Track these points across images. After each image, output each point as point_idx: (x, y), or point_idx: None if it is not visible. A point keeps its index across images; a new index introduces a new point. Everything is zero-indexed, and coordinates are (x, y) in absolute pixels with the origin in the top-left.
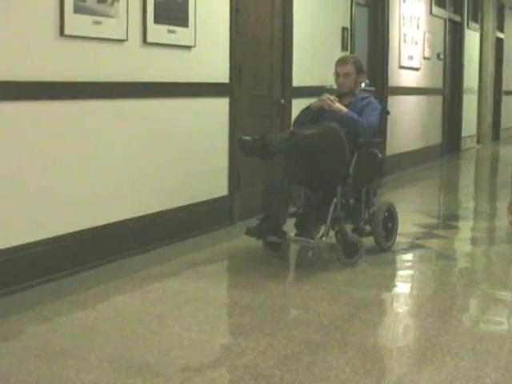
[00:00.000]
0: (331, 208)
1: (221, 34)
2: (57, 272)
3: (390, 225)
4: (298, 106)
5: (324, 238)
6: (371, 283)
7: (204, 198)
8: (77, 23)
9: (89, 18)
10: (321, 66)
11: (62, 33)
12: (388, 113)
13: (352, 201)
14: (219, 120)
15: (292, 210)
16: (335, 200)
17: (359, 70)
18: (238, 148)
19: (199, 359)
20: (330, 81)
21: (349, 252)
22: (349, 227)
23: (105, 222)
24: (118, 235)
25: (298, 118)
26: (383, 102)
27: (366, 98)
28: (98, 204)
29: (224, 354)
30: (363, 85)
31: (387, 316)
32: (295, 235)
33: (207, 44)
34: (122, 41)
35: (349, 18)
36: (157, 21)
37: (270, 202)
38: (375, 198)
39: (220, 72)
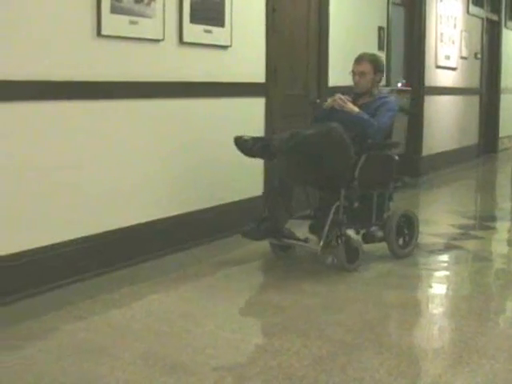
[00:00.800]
0: (332, 211)
1: (257, 33)
2: (89, 271)
3: (406, 231)
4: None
5: (321, 244)
6: (406, 284)
7: (237, 198)
8: (114, 23)
9: (125, 18)
10: None
11: (99, 33)
12: (412, 114)
13: (356, 204)
14: (255, 120)
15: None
16: (337, 203)
17: (376, 69)
18: (237, 147)
19: (233, 359)
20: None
21: (350, 257)
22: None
23: (137, 222)
24: (149, 235)
25: (315, 116)
26: (418, 101)
27: (383, 97)
28: (131, 203)
29: (258, 354)
30: (399, 84)
31: (422, 317)
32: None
33: (243, 44)
34: (158, 41)
35: (385, 17)
36: (193, 20)
37: (269, 203)
38: (390, 203)
39: (256, 72)
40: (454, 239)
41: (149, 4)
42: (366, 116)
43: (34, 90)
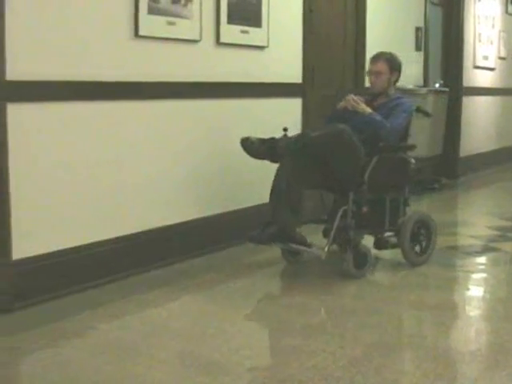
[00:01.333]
0: (338, 215)
1: (294, 34)
2: (124, 271)
3: (422, 238)
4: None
5: (326, 249)
6: (443, 286)
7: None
8: (151, 24)
9: (163, 19)
10: None
11: (136, 33)
12: (429, 115)
13: (365, 209)
14: (292, 120)
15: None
16: (344, 207)
17: (393, 68)
18: (243, 149)
19: (268, 359)
20: (403, 81)
21: (358, 263)
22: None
23: (170, 223)
24: (183, 236)
25: (328, 117)
26: (456, 102)
27: (398, 98)
28: (167, 204)
29: (293, 355)
30: (437, 85)
31: (459, 319)
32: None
33: (280, 44)
34: (195, 41)
35: (423, 17)
36: (230, 21)
37: (275, 206)
38: (407, 208)
39: (293, 72)
40: (492, 241)
41: (186, 5)
42: (378, 117)
43: (72, 90)
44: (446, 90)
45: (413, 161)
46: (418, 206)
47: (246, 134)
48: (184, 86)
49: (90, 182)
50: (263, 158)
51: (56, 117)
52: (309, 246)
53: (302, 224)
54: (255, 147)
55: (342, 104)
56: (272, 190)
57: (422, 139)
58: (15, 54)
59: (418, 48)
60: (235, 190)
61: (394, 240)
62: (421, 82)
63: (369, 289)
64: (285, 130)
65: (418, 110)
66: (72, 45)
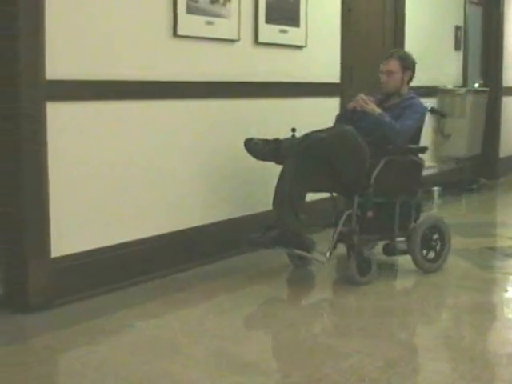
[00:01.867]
0: (341, 220)
1: (332, 33)
2: (162, 269)
3: (434, 244)
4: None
5: (328, 254)
6: (481, 287)
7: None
8: (190, 23)
9: (201, 19)
10: (433, 66)
11: (175, 33)
12: (444, 115)
13: (370, 213)
14: (329, 120)
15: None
16: (348, 212)
17: (405, 67)
18: (246, 150)
19: (304, 359)
20: (442, 81)
21: (362, 269)
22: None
23: (212, 221)
24: (221, 234)
25: (336, 120)
26: (496, 102)
27: (411, 98)
28: (205, 202)
29: (329, 355)
30: (476, 85)
31: (497, 321)
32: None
33: (318, 44)
34: (233, 41)
35: (462, 16)
36: (268, 21)
37: (277, 209)
38: (420, 213)
39: (331, 72)
40: None
41: (224, 4)
42: (387, 118)
43: (111, 89)
44: (486, 89)
45: (424, 164)
46: (457, 207)
47: (283, 134)
48: (222, 86)
49: (129, 180)
50: (267, 160)
51: (95, 116)
52: (309, 251)
53: (306, 227)
54: (259, 148)
55: (351, 104)
56: (275, 193)
57: (461, 139)
58: (55, 54)
59: (457, 47)
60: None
61: (403, 246)
62: (460, 82)
63: (405, 289)
64: (293, 130)
65: (433, 111)
66: (111, 44)
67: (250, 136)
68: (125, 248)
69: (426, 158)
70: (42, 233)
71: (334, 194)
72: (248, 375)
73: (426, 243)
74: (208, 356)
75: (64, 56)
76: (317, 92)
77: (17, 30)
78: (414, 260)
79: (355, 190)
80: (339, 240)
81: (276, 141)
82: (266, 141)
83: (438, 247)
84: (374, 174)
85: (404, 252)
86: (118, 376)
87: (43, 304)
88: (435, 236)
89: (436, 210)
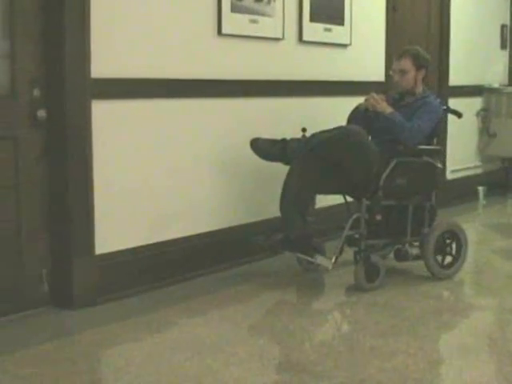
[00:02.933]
0: (348, 224)
1: (377, 32)
2: (207, 267)
3: (449, 249)
4: (454, 105)
5: (334, 259)
6: None
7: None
8: (234, 22)
9: (245, 17)
10: (479, 65)
11: (219, 32)
12: (459, 115)
13: (378, 217)
14: None
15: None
16: (355, 215)
17: (419, 65)
18: (252, 150)
19: (348, 359)
20: (488, 80)
21: (370, 275)
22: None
23: (253, 220)
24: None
25: (348, 119)
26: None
27: (425, 97)
28: (246, 202)
29: (373, 355)
30: None
31: None
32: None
33: (363, 42)
34: (278, 39)
35: (508, 14)
36: (313, 19)
37: (284, 212)
38: (434, 216)
39: (376, 71)
40: None
41: (269, 3)
42: (398, 118)
43: (155, 87)
44: None
45: (439, 165)
46: (502, 207)
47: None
48: (267, 84)
49: (171, 178)
50: (274, 160)
51: (140, 114)
52: (313, 255)
53: (314, 231)
54: (265, 148)
55: (363, 103)
56: (282, 195)
57: (507, 139)
58: (100, 53)
59: (503, 46)
60: None
61: (415, 251)
62: (506, 81)
63: (449, 290)
64: (303, 130)
65: (448, 110)
66: (155, 43)
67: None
68: (169, 246)
69: (473, 158)
70: (87, 230)
71: (348, 198)
72: (291, 373)
73: (440, 248)
74: (251, 354)
75: (109, 55)
76: (361, 91)
77: (63, 29)
78: (427, 265)
79: (364, 193)
80: (350, 244)
81: (283, 141)
82: (273, 141)
83: (453, 253)
84: (384, 176)
85: (417, 257)
86: (160, 373)
87: (88, 301)
88: (450, 241)
89: (481, 210)
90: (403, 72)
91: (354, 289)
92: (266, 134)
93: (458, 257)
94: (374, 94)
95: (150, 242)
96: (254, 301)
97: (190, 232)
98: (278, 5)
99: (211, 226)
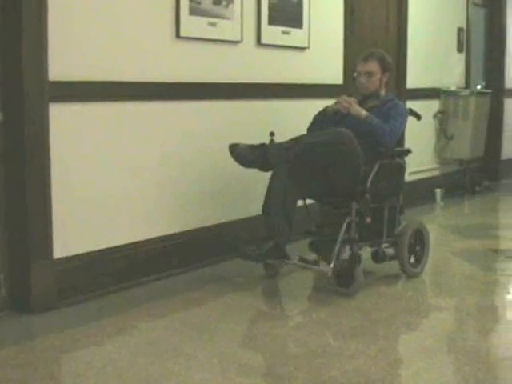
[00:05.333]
0: (343, 228)
1: (335, 35)
2: (169, 270)
3: (418, 248)
4: (412, 108)
5: (332, 264)
6: (484, 289)
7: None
8: (192, 25)
9: (204, 20)
10: (436, 68)
11: (178, 34)
12: (419, 117)
13: (369, 220)
14: None
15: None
16: (348, 219)
17: (384, 68)
18: (233, 157)
19: (309, 361)
20: (445, 83)
21: (346, 281)
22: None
23: (218, 222)
24: (226, 236)
25: (312, 124)
26: (499, 104)
27: (390, 100)
28: (213, 202)
29: (334, 357)
30: (479, 87)
31: (500, 323)
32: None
33: (321, 45)
34: (236, 42)
35: (465, 18)
36: (271, 22)
37: (271, 219)
38: (401, 216)
39: (334, 73)
40: None
41: (227, 6)
42: (376, 120)
43: (114, 90)
44: (488, 91)
45: (404, 166)
46: (460, 209)
47: (286, 135)
48: (225, 87)
49: (131, 181)
50: (254, 167)
51: (98, 117)
52: (316, 263)
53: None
54: (245, 155)
55: (333, 106)
56: (266, 202)
57: (464, 141)
58: (58, 55)
59: (460, 49)
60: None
61: (391, 252)
62: (463, 84)
63: (409, 292)
64: (271, 134)
65: (410, 112)
66: (114, 45)
67: (239, 140)
68: (128, 249)
69: (430, 160)
70: (45, 234)
71: (307, 202)
72: (252, 377)
73: (410, 247)
74: (212, 358)
75: (67, 57)
76: (320, 93)
77: (20, 31)
78: (402, 265)
79: (352, 197)
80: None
81: (262, 146)
82: (251, 147)
83: (418, 252)
84: (370, 179)
85: (392, 257)
86: (121, 377)
87: (47, 305)
88: (418, 240)
89: (439, 211)
90: (370, 74)
91: (317, 292)
92: (225, 137)
93: (423, 254)
94: (346, 97)
95: (109, 246)
96: (215, 304)
97: (149, 235)
98: (236, 8)
99: (171, 229)
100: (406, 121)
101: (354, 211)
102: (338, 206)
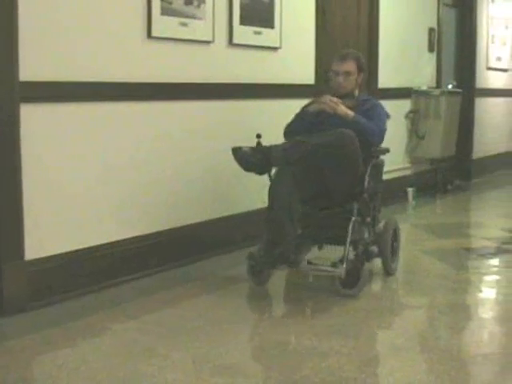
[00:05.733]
0: (350, 228)
1: (306, 35)
2: (142, 270)
3: (395, 244)
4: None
5: (345, 265)
6: (456, 288)
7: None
8: (164, 25)
9: (176, 20)
10: (407, 68)
11: (149, 35)
12: (388, 117)
13: (368, 219)
14: None
15: None
16: (354, 219)
17: (360, 69)
18: (236, 160)
19: (282, 360)
20: (416, 82)
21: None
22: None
23: (192, 222)
24: (203, 235)
25: (291, 124)
26: (469, 103)
27: (367, 99)
28: (186, 203)
29: (307, 356)
30: (450, 86)
31: (472, 321)
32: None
33: (293, 45)
34: (208, 42)
35: (436, 18)
36: (243, 22)
37: (280, 223)
38: (379, 214)
39: (306, 73)
40: (505, 243)
41: (199, 6)
42: (363, 120)
43: (85, 91)
44: (459, 91)
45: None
46: (431, 208)
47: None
48: (196, 87)
49: (103, 182)
50: (254, 170)
51: (69, 117)
52: (335, 266)
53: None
54: (247, 157)
55: (316, 107)
56: (272, 208)
57: (436, 141)
58: (28, 55)
59: (431, 49)
60: (251, 190)
61: (375, 250)
62: (434, 84)
63: (382, 290)
64: (258, 136)
65: None
66: (85, 45)
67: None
68: (101, 250)
69: (402, 159)
70: (17, 236)
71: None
72: (226, 377)
73: (391, 246)
74: (185, 358)
75: (38, 57)
76: (291, 93)
77: None
78: (385, 263)
79: (353, 197)
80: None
81: (264, 149)
82: (253, 149)
83: (395, 248)
84: (367, 178)
85: (377, 255)
86: (95, 379)
87: (19, 307)
88: (394, 237)
89: (411, 210)
90: (348, 74)
91: (290, 292)
92: (198, 137)
93: (397, 251)
94: (331, 97)
95: (82, 247)
96: (189, 304)
97: (122, 236)
98: (208, 8)
99: (146, 230)
100: (387, 119)
101: (355, 211)
102: (333, 207)
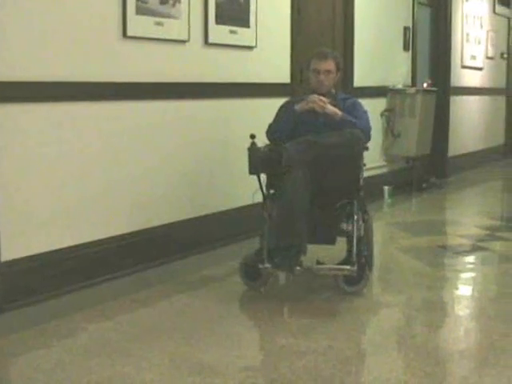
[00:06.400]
0: (355, 227)
1: (282, 34)
2: (118, 271)
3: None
4: None
5: (356, 263)
6: (432, 285)
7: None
8: (139, 24)
9: (151, 19)
10: (383, 66)
11: (124, 34)
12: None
13: (367, 216)
14: None
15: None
16: (356, 216)
17: (339, 68)
18: (251, 160)
19: (259, 359)
20: (392, 81)
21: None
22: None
23: (168, 222)
24: (178, 235)
25: (278, 124)
26: (444, 102)
27: (347, 98)
28: (164, 203)
29: (284, 355)
30: (425, 85)
31: (448, 318)
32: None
33: (268, 44)
34: (183, 41)
35: (411, 17)
36: (218, 21)
37: (295, 225)
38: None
39: (281, 72)
40: (481, 240)
41: (174, 5)
42: (352, 118)
43: (62, 91)
44: (434, 89)
45: None
46: (407, 206)
47: (234, 135)
48: (172, 87)
49: (80, 182)
50: (269, 171)
51: (46, 117)
52: (347, 264)
53: None
54: (263, 156)
55: (303, 106)
56: (290, 210)
57: (411, 139)
58: (6, 55)
59: (406, 48)
60: (226, 190)
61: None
62: (409, 82)
63: (360, 291)
64: (252, 137)
65: None
66: (59, 45)
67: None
68: (77, 250)
69: (378, 157)
70: None
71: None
72: (203, 376)
73: None
74: (162, 358)
75: (10, 57)
76: (267, 92)
77: None
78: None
79: (351, 195)
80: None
81: (277, 149)
82: (270, 150)
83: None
84: (362, 176)
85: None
86: (71, 379)
87: None
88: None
89: (387, 208)
90: (328, 72)
91: (266, 291)
92: (173, 136)
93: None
94: (319, 96)
95: (57, 248)
96: (166, 304)
97: (97, 236)
98: (183, 7)
99: (122, 229)
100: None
101: (355, 209)
102: (329, 205)
